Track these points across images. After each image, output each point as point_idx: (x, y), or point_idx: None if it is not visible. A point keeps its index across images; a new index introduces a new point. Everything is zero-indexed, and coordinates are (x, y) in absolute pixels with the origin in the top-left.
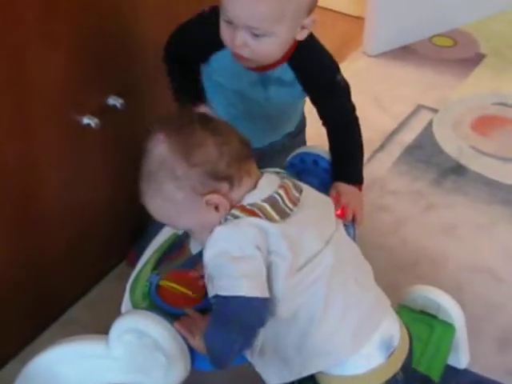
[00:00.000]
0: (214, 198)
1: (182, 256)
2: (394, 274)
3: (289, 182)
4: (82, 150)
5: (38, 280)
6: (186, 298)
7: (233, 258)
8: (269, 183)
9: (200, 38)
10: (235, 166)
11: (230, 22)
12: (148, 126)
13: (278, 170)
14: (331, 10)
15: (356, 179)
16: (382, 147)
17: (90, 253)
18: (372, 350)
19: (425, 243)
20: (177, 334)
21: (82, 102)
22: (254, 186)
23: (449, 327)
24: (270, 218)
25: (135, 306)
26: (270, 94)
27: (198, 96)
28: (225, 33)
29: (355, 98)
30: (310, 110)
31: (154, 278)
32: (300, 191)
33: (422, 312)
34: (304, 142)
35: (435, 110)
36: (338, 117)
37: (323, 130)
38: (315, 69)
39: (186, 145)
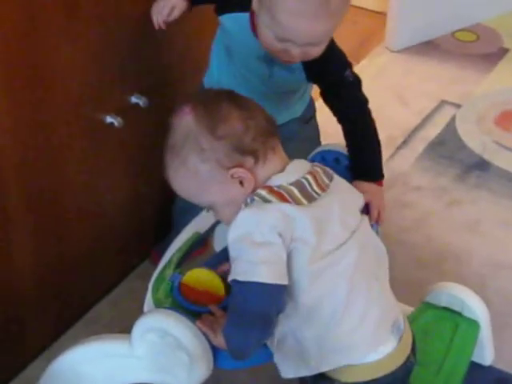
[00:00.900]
0: (240, 171)
1: (205, 253)
2: (418, 271)
3: (319, 169)
4: (105, 149)
5: (63, 279)
6: (209, 296)
7: (253, 243)
8: (297, 168)
9: None
10: (260, 140)
11: (284, 40)
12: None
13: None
14: (353, 6)
15: (375, 175)
16: (405, 143)
17: (113, 251)
18: (387, 334)
19: (448, 239)
20: (199, 333)
21: (106, 101)
22: (282, 169)
23: (473, 324)
24: (298, 202)
25: (158, 305)
26: (273, 72)
27: None
28: (274, 47)
29: (378, 93)
30: (326, 109)
31: (176, 277)
32: (331, 178)
33: (447, 309)
34: (317, 129)
35: (458, 106)
36: (351, 110)
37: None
38: (323, 63)
39: (212, 118)
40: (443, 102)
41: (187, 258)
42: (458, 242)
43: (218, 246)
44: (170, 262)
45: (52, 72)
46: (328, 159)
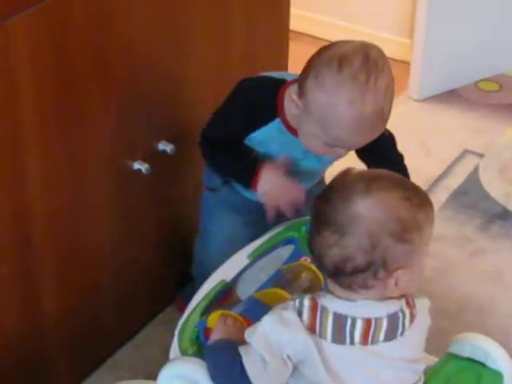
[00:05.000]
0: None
1: (230, 300)
2: (441, 321)
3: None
4: (131, 195)
5: (87, 323)
6: None
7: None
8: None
9: (247, 116)
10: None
11: (334, 146)
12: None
13: None
14: None
15: None
16: (428, 192)
17: (138, 296)
18: None
19: (471, 289)
20: None
21: (134, 147)
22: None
23: (497, 375)
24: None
25: (183, 352)
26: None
27: (257, 161)
28: (321, 150)
29: (401, 142)
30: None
31: (202, 324)
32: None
33: (470, 359)
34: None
35: (481, 155)
36: (387, 163)
37: None
38: None
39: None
40: (466, 152)
41: (213, 306)
42: (481, 292)
43: (242, 294)
44: (195, 309)
45: (84, 119)
46: None
